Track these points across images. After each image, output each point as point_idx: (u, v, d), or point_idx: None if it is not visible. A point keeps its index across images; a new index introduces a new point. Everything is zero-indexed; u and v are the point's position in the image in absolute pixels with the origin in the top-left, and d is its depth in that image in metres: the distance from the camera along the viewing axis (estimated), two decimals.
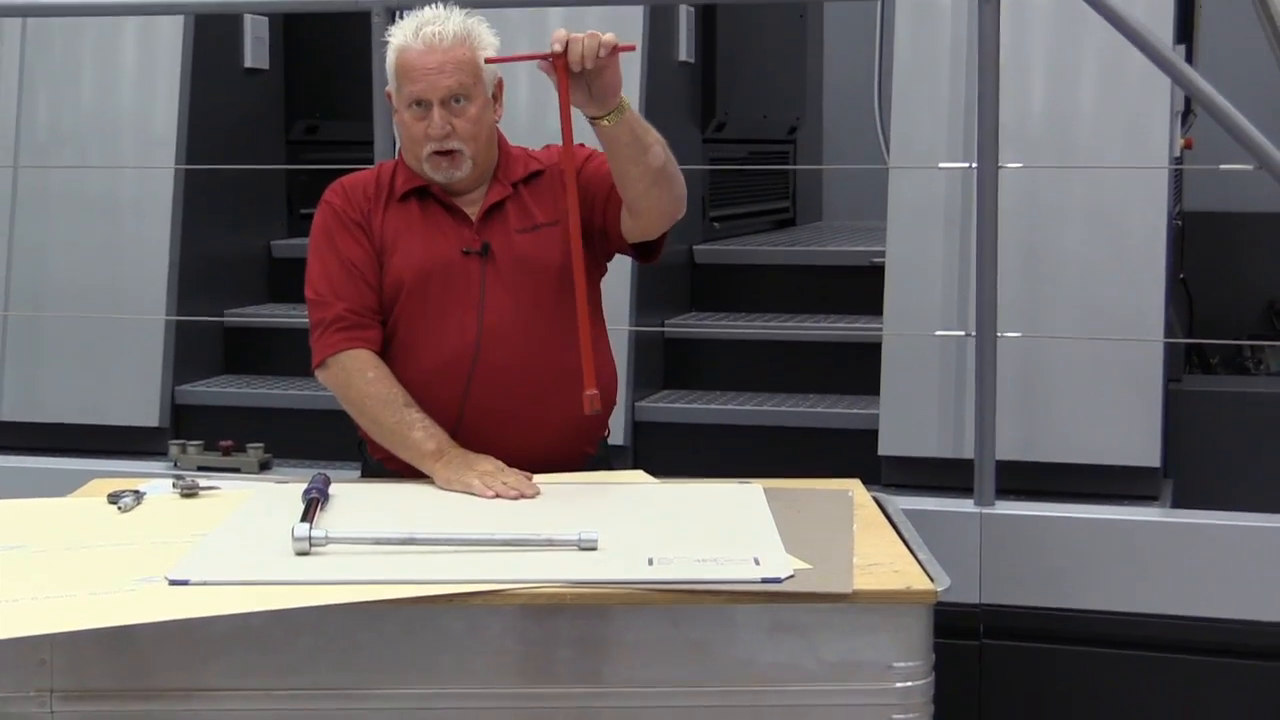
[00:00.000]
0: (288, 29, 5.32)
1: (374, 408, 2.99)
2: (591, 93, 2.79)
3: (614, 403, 3.22)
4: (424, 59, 3.01)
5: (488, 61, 2.91)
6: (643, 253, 3.16)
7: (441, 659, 2.27)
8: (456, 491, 2.83)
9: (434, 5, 3.11)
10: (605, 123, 2.84)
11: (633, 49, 2.79)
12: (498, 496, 2.78)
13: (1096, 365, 3.89)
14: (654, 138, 2.93)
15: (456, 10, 3.10)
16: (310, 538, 2.38)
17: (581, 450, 3.08)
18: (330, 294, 3.06)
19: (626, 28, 4.46)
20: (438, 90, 3.00)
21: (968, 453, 3.73)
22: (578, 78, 2.76)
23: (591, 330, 3.08)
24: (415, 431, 2.94)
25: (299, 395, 4.67)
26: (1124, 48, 3.57)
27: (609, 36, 2.74)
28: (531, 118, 4.22)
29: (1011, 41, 3.93)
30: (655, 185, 2.96)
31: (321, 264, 3.09)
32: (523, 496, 2.78)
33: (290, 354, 4.88)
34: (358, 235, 3.08)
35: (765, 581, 2.26)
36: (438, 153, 3.02)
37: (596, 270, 3.12)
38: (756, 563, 2.32)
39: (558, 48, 2.73)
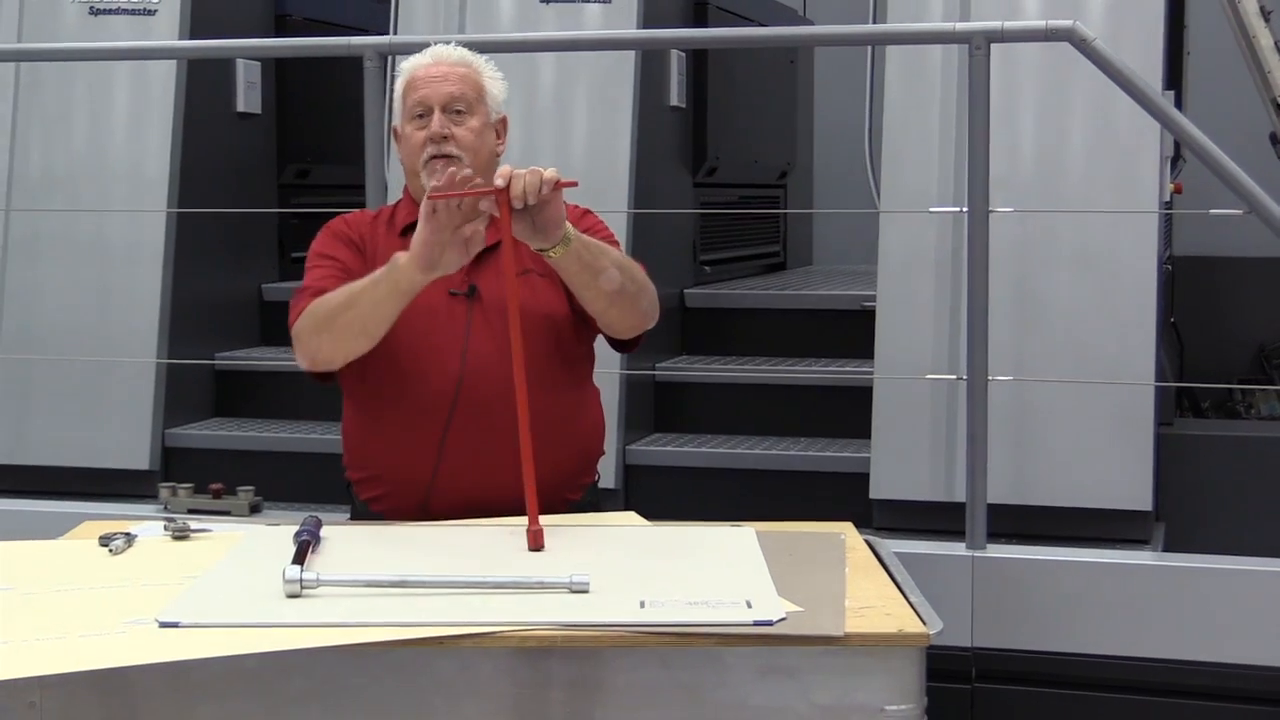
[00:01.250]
0: (280, 74, 5.34)
1: (337, 299, 2.90)
2: (535, 226, 2.77)
3: (601, 452, 3.22)
4: (430, 70, 3.08)
5: (430, 196, 2.80)
6: (617, 344, 3.17)
7: (433, 701, 2.26)
8: (422, 244, 2.73)
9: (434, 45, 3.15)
10: (551, 254, 2.84)
11: (575, 185, 2.75)
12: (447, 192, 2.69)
13: (1088, 409, 3.90)
14: (609, 261, 2.92)
15: (464, 48, 3.15)
16: (301, 580, 2.37)
17: (563, 496, 3.06)
18: (314, 283, 3.04)
19: (619, 72, 4.50)
20: (439, 96, 3.04)
21: (959, 496, 3.73)
22: (521, 212, 2.73)
23: (576, 391, 3.11)
24: (376, 273, 2.86)
25: (289, 438, 4.68)
26: (1114, 93, 3.60)
27: (550, 172, 2.71)
28: (523, 159, 4.23)
29: (1002, 87, 3.96)
30: (613, 306, 2.98)
31: (308, 273, 3.08)
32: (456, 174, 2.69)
33: (281, 397, 4.90)
34: (353, 251, 3.10)
35: (757, 624, 2.25)
36: (435, 157, 3.02)
37: (586, 328, 3.11)
38: (749, 605, 2.32)
39: (500, 183, 2.70)
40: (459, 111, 3.05)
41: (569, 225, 2.83)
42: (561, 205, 2.79)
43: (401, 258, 2.79)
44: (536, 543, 2.67)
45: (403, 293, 2.83)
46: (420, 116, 3.06)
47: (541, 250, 2.83)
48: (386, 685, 2.26)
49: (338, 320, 2.90)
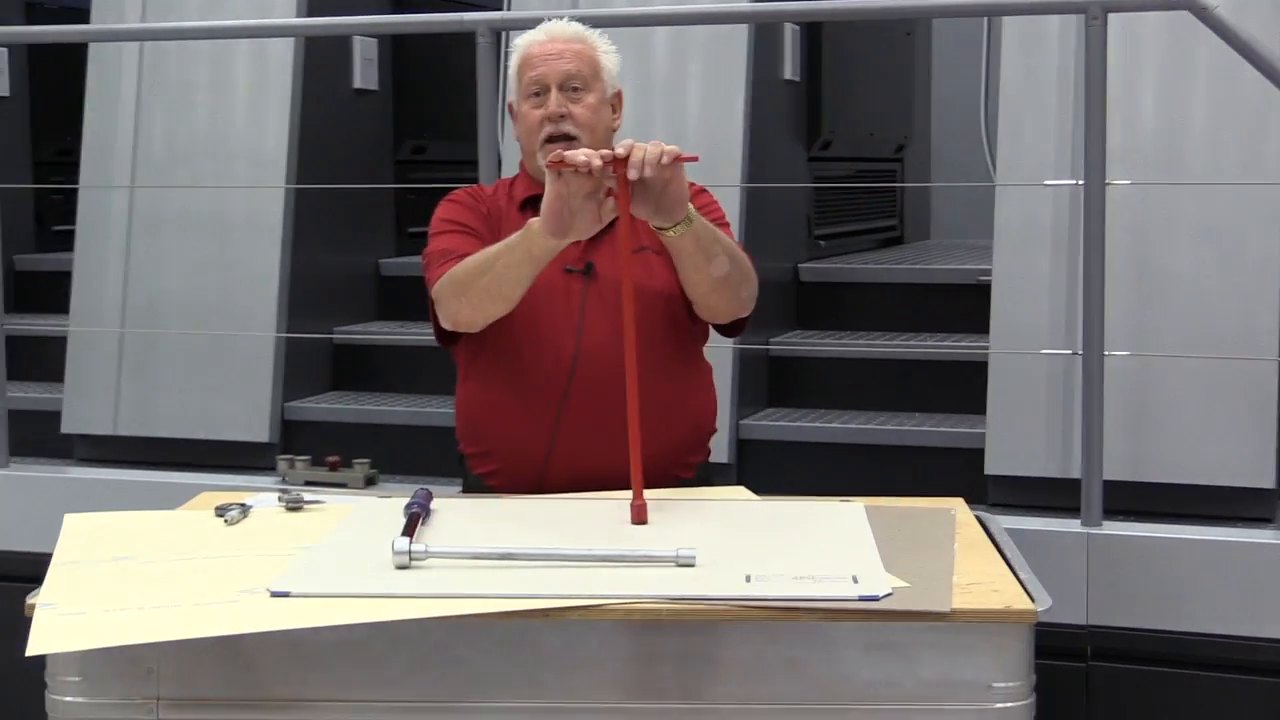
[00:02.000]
0: (396, 50, 5.38)
1: (474, 263, 2.92)
2: (658, 205, 2.76)
3: (714, 429, 3.22)
4: (545, 48, 3.08)
5: (549, 164, 2.76)
6: (720, 328, 3.17)
7: (539, 674, 2.28)
8: (551, 210, 2.73)
9: (547, 21, 3.15)
10: (670, 234, 2.83)
11: (695, 159, 2.74)
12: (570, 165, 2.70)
13: (1209, 384, 3.84)
14: (722, 248, 2.92)
15: (578, 24, 3.16)
16: (410, 552, 2.39)
17: (674, 474, 3.06)
18: (441, 248, 3.05)
19: (732, 46, 4.48)
20: (556, 74, 3.05)
21: (1075, 472, 3.69)
22: (643, 187, 2.72)
23: (689, 369, 3.11)
24: (511, 238, 2.88)
25: (406, 412, 4.72)
26: (1238, 63, 3.52)
27: (672, 148, 2.70)
28: (637, 134, 4.24)
29: (1122, 59, 3.90)
30: (715, 292, 2.98)
31: (437, 240, 3.09)
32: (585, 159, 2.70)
33: (398, 371, 4.95)
34: (482, 219, 3.11)
35: (862, 599, 2.24)
36: (553, 138, 3.02)
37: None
38: (855, 581, 2.31)
39: (620, 152, 2.70)
40: (575, 89, 3.06)
41: (691, 207, 2.83)
42: (685, 184, 2.79)
43: (535, 223, 2.80)
44: (640, 517, 2.68)
45: (535, 258, 2.84)
46: (536, 95, 3.07)
47: (660, 229, 2.83)
48: (494, 657, 2.28)
49: (475, 285, 2.92)
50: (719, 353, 3.99)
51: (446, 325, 3.03)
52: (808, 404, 4.59)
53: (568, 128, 3.03)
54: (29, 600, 2.33)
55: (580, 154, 2.72)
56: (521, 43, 3.14)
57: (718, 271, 2.92)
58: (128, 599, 2.31)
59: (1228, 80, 3.86)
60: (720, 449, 4.20)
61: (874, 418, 4.42)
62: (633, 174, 2.70)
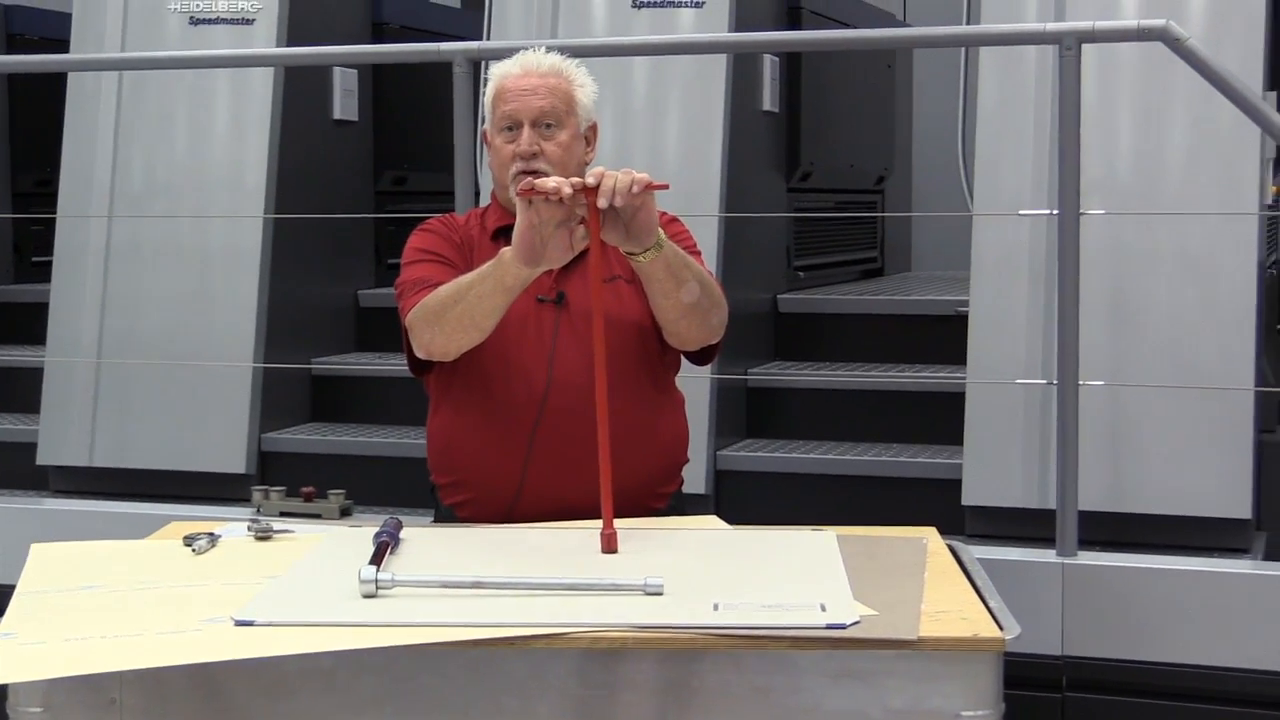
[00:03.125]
0: (377, 81, 5.39)
1: (446, 293, 2.91)
2: (629, 231, 2.76)
3: (685, 459, 3.21)
4: (519, 82, 3.06)
5: (520, 192, 2.78)
6: (691, 356, 3.16)
7: (505, 701, 2.27)
8: (523, 238, 2.73)
9: (532, 50, 3.14)
10: (640, 259, 2.83)
11: (665, 187, 2.73)
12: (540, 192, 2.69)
13: (1186, 415, 3.84)
14: (692, 274, 2.91)
15: (555, 53, 3.14)
16: (377, 580, 2.38)
17: (648, 505, 3.05)
18: (415, 277, 3.04)
19: (711, 77, 4.49)
20: (529, 110, 3.03)
21: (1053, 503, 3.68)
22: (613, 214, 2.72)
23: (661, 399, 3.11)
24: (483, 267, 2.87)
25: (384, 443, 4.71)
26: (1213, 94, 3.53)
27: (642, 176, 2.70)
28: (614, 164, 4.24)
29: (1099, 90, 3.91)
30: (685, 318, 2.97)
31: (410, 269, 3.08)
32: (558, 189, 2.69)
33: (378, 402, 4.94)
34: (455, 249, 3.10)
35: (830, 627, 2.23)
36: (523, 173, 3.02)
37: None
38: (822, 609, 2.30)
39: (591, 181, 2.69)
40: (548, 125, 3.04)
41: (661, 233, 2.83)
42: (654, 210, 2.78)
43: (507, 253, 2.79)
44: (610, 545, 2.67)
45: (508, 287, 2.84)
46: (509, 129, 3.06)
47: (631, 254, 2.83)
48: (459, 685, 2.27)
49: (448, 314, 2.91)
50: (697, 383, 3.99)
51: (420, 354, 3.02)
52: (786, 435, 4.59)
53: (539, 165, 3.02)
54: None
55: (550, 182, 2.72)
56: (497, 73, 3.12)
57: (688, 298, 2.92)
58: (90, 628, 2.29)
59: (1203, 110, 3.87)
60: (698, 479, 4.20)
61: (852, 448, 4.42)
62: (602, 202, 2.69)
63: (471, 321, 2.90)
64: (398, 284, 3.11)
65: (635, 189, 2.70)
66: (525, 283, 2.85)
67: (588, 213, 2.72)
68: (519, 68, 3.09)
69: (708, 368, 4.07)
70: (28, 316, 5.38)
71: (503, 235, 3.08)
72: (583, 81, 3.12)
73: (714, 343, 3.09)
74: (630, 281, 3.04)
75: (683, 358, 3.17)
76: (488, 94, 3.13)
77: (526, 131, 3.03)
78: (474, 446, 3.07)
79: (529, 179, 2.81)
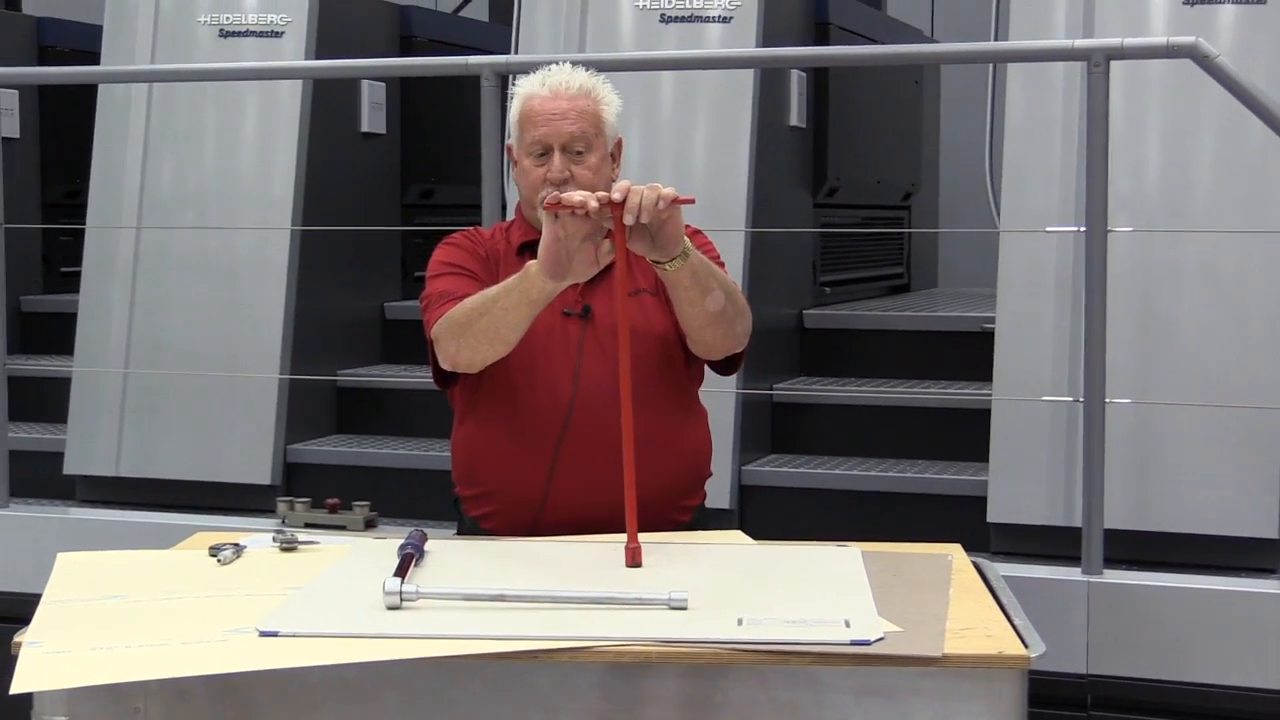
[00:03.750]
0: (405, 94, 5.40)
1: (472, 305, 2.92)
2: (655, 241, 2.77)
3: (709, 473, 3.20)
4: (549, 105, 3.05)
5: (547, 206, 2.78)
6: (716, 365, 3.15)
7: (529, 715, 2.26)
8: (548, 252, 2.73)
9: (557, 65, 3.14)
10: (667, 268, 2.84)
11: (692, 201, 2.74)
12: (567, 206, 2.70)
13: (1213, 433, 3.82)
14: (717, 282, 2.91)
15: (581, 68, 3.13)
16: (401, 592, 2.38)
17: (672, 519, 3.05)
18: (440, 290, 3.05)
19: (738, 92, 4.49)
20: (560, 136, 3.03)
21: (1078, 520, 3.66)
22: (640, 226, 2.72)
23: (685, 412, 3.11)
24: (509, 280, 2.88)
25: (409, 455, 4.72)
26: (1241, 110, 3.52)
27: (668, 191, 2.70)
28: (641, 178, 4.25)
29: (1127, 107, 3.90)
30: (710, 326, 2.97)
31: (435, 282, 3.08)
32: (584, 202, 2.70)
33: (401, 414, 4.95)
34: (480, 262, 3.11)
35: (854, 644, 2.22)
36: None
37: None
38: (847, 625, 2.29)
39: (617, 196, 2.70)
40: (578, 151, 3.04)
41: (687, 241, 2.83)
42: (681, 221, 2.79)
43: (533, 266, 2.79)
44: (634, 560, 2.66)
45: (533, 300, 2.84)
46: (540, 154, 3.06)
47: (657, 263, 2.83)
48: (482, 698, 2.27)
49: (473, 326, 2.92)
50: (722, 398, 3.99)
51: (445, 366, 3.03)
52: (811, 450, 4.58)
53: (570, 191, 3.03)
54: (16, 638, 2.32)
55: (576, 196, 2.73)
56: (523, 91, 3.11)
57: (713, 306, 2.92)
58: (115, 637, 2.30)
59: (1231, 127, 3.86)
60: (722, 494, 4.19)
61: (878, 464, 4.41)
62: (629, 219, 2.70)
63: (496, 334, 2.91)
64: (423, 297, 3.11)
65: (661, 205, 2.70)
66: (550, 296, 2.85)
67: (613, 226, 2.72)
68: (547, 89, 3.07)
69: (733, 382, 4.10)
70: (56, 326, 5.40)
71: (528, 250, 3.09)
72: (609, 99, 3.12)
73: (738, 351, 3.09)
74: (655, 294, 3.05)
75: (706, 369, 3.17)
76: (514, 112, 3.13)
77: (558, 158, 3.03)
78: (499, 458, 3.07)
79: (555, 192, 2.82)
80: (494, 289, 2.91)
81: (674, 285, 2.90)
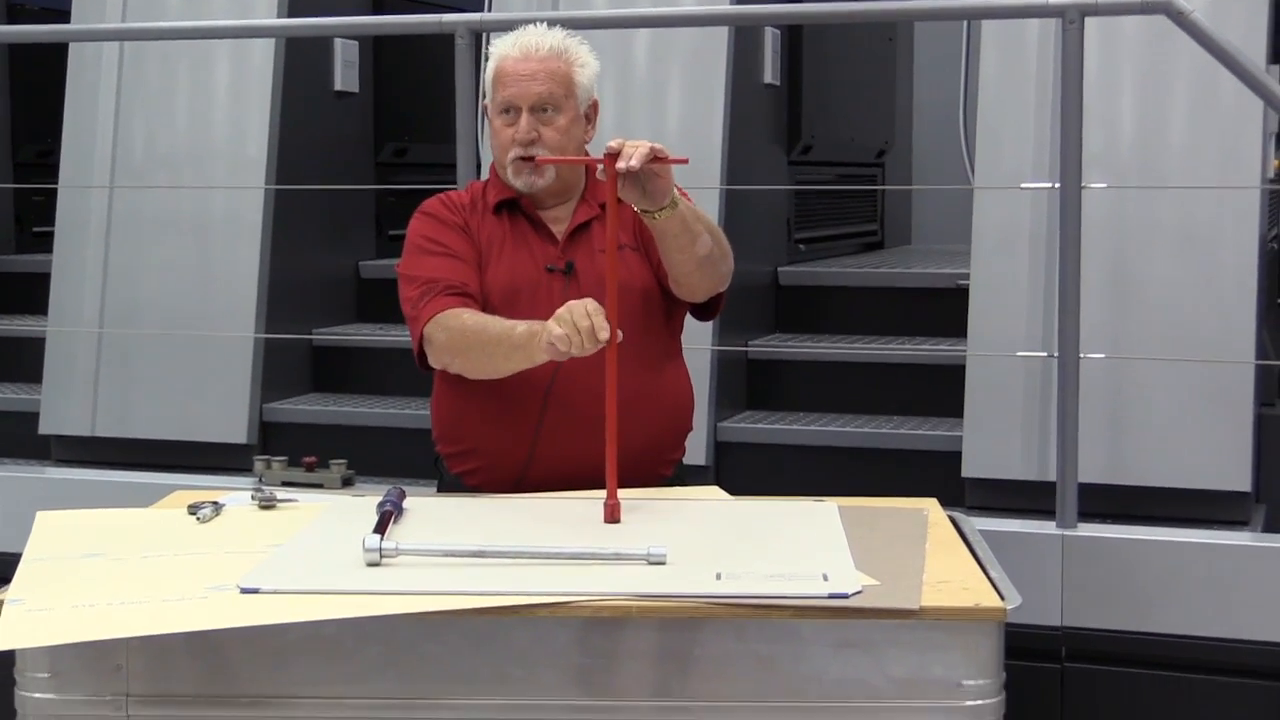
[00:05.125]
0: (377, 53, 5.38)
1: (471, 331, 2.96)
2: (645, 190, 2.82)
3: (690, 427, 3.22)
4: (519, 66, 3.07)
5: (539, 161, 2.91)
6: (697, 311, 3.18)
7: (508, 670, 2.28)
8: (553, 338, 2.75)
9: (534, 25, 3.14)
10: (657, 216, 2.88)
11: (685, 162, 2.80)
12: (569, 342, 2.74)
13: (1186, 388, 3.85)
14: (703, 227, 2.96)
15: (558, 29, 3.14)
16: (381, 549, 2.39)
17: (657, 472, 3.08)
18: (427, 275, 3.06)
19: (712, 49, 4.48)
20: (528, 96, 3.05)
21: (1052, 475, 3.68)
22: (633, 175, 2.77)
23: (668, 365, 3.13)
24: (519, 329, 2.90)
25: (385, 414, 4.72)
26: (1215, 68, 3.53)
27: (659, 147, 2.77)
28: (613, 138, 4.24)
29: (1100, 63, 3.91)
30: (698, 270, 3.01)
31: (418, 259, 3.09)
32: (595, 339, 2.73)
33: (377, 373, 4.95)
34: (460, 234, 3.12)
35: (832, 596, 2.24)
36: (522, 159, 3.05)
37: (676, 302, 3.12)
38: (825, 578, 2.31)
39: (614, 146, 2.76)
40: (546, 111, 3.06)
41: (675, 191, 2.87)
42: (671, 174, 2.83)
43: (544, 337, 2.79)
44: (613, 516, 2.68)
45: (534, 361, 2.88)
46: (507, 113, 3.08)
47: (646, 212, 2.86)
48: (462, 653, 2.28)
49: (471, 353, 2.97)
50: (698, 355, 4.00)
51: (434, 366, 3.06)
52: (786, 407, 4.59)
53: (536, 151, 3.05)
54: None
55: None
56: (497, 51, 3.12)
57: (702, 250, 2.96)
58: (96, 595, 2.30)
59: (1205, 84, 3.88)
60: (698, 451, 4.21)
61: (852, 420, 4.43)
62: (619, 167, 2.74)
63: (493, 367, 2.96)
64: (404, 274, 3.11)
65: (644, 152, 2.74)
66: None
67: (606, 182, 2.77)
68: (518, 50, 3.09)
69: (709, 339, 4.11)
70: (29, 287, 5.38)
71: (504, 208, 3.12)
72: (584, 61, 3.12)
73: (720, 291, 3.12)
74: (635, 249, 3.08)
75: (687, 318, 3.18)
76: (488, 72, 3.14)
77: (525, 117, 3.05)
78: (483, 416, 3.08)
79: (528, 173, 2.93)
80: (496, 329, 2.92)
81: (663, 233, 2.92)
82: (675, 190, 2.87)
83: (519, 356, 2.89)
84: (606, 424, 2.74)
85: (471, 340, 2.95)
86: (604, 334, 2.72)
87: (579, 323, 2.72)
